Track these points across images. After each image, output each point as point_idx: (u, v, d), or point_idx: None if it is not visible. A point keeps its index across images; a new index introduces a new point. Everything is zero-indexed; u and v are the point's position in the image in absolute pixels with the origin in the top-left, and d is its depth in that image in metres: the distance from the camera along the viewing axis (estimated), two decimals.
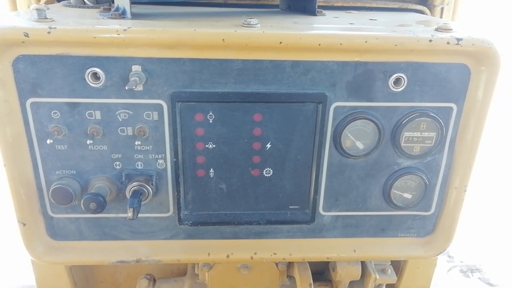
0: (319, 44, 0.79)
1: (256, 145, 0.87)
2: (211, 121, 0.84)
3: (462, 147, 0.92)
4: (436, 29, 0.85)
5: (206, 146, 0.86)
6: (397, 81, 0.85)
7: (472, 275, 2.25)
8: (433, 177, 0.95)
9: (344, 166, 0.92)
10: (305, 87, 0.84)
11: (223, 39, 0.76)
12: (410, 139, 0.89)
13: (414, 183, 0.95)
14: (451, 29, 0.84)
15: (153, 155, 0.86)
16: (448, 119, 0.89)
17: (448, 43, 0.81)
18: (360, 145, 0.89)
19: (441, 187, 0.96)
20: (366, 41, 0.80)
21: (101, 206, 0.80)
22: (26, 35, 0.72)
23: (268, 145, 0.88)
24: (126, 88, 0.75)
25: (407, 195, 0.96)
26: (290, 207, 0.94)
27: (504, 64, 0.84)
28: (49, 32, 0.73)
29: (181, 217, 0.92)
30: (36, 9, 0.74)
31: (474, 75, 0.86)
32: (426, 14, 1.19)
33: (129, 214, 0.79)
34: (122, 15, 0.83)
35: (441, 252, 1.02)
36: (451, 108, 0.88)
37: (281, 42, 0.78)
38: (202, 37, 0.76)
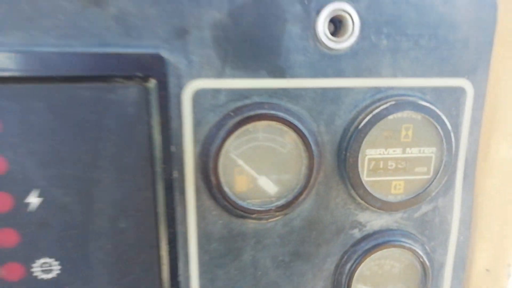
0: None
1: (2, 202, 0.33)
2: None
3: (494, 177, 0.41)
4: None
5: None
6: (338, 24, 0.36)
7: None
8: (437, 250, 0.43)
9: (241, 237, 0.38)
10: (110, 41, 0.32)
11: None
12: (380, 165, 0.38)
13: (399, 266, 0.42)
14: None
15: None
16: (457, 114, 0.39)
17: None
18: (269, 185, 0.37)
19: (456, 270, 0.44)
20: None
21: None
22: None
23: (33, 199, 0.33)
24: None
25: None
26: None
27: None
28: None
29: None
30: None
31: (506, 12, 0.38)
32: None
33: None
34: None
35: None
36: (461, 90, 0.38)
37: None
38: None
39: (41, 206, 0.34)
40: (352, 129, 0.37)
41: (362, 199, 0.39)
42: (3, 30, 0.31)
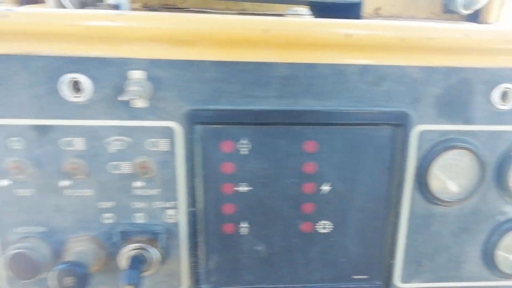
0: (402, 40, 0.55)
1: (308, 187, 0.61)
2: (244, 152, 0.58)
3: None
4: None
5: (237, 188, 0.60)
6: (504, 95, 0.60)
7: None
8: None
9: (432, 216, 0.64)
10: (378, 104, 0.58)
11: (265, 29, 0.52)
12: None
13: None
14: None
15: (161, 203, 0.59)
16: None
17: None
18: (453, 186, 0.63)
19: None
20: (466, 35, 0.55)
21: (82, 281, 0.53)
22: None
23: (326, 187, 0.61)
24: (119, 99, 0.50)
25: None
26: (353, 277, 0.66)
27: None
28: (6, 17, 0.48)
29: None
30: None
31: None
32: None
33: None
34: (116, 7, 0.59)
35: None
36: None
37: (350, 35, 0.53)
38: (234, 27, 0.52)
39: (329, 191, 0.61)
40: (506, 155, 0.62)
41: (508, 197, 0.64)
42: (332, 99, 0.58)
